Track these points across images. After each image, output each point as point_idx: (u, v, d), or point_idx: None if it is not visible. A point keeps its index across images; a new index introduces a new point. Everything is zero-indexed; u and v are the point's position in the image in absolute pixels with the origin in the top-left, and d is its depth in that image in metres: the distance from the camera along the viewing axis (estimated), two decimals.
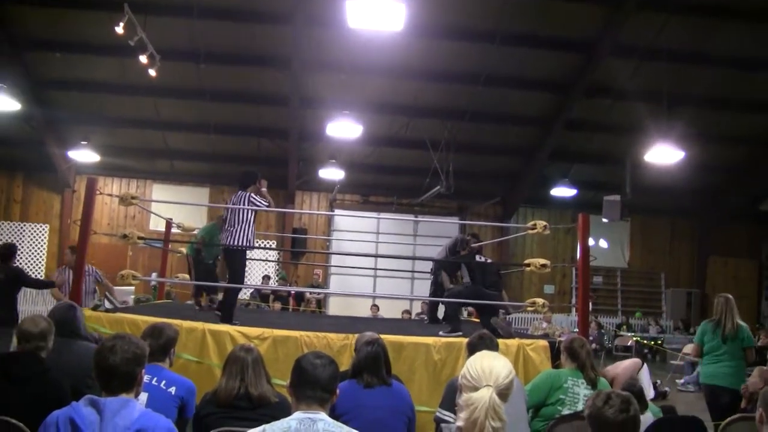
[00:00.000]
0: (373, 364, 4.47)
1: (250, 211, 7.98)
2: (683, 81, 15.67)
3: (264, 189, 8.27)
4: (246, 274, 18.83)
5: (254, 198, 8.04)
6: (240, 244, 7.89)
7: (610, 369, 8.54)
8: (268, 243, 20.27)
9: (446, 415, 4.39)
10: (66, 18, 14.76)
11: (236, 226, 7.89)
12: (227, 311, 7.88)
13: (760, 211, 20.89)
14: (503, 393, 2.77)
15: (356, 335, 5.61)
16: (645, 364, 10.65)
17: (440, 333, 8.03)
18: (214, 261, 10.73)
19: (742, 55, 15.12)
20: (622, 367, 9.33)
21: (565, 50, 15.65)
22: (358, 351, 4.66)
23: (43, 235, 20.09)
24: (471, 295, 8.52)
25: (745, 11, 13.97)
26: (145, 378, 3.34)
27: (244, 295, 18.45)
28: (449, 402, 4.20)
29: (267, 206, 8.29)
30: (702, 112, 16.61)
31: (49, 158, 19.04)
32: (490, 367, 2.81)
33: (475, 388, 2.74)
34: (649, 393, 10.19)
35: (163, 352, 4.42)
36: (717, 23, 14.41)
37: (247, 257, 8.53)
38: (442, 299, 9.13)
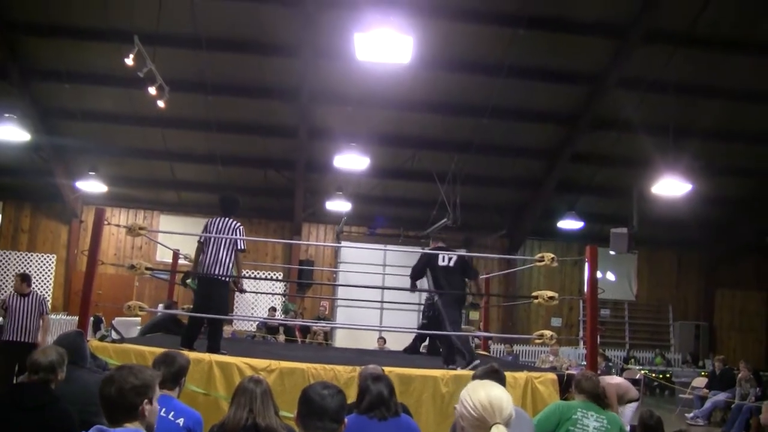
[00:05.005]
0: (389, 398, 4.41)
1: (234, 242, 7.74)
2: (689, 113, 15.69)
3: None
4: (252, 306, 18.67)
5: (242, 231, 7.87)
6: (227, 273, 7.68)
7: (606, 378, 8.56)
8: (274, 274, 20.27)
9: None
10: (75, 49, 14.91)
11: (226, 254, 7.66)
12: (189, 339, 7.61)
13: None
14: (509, 423, 2.68)
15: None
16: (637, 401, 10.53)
17: (450, 366, 7.88)
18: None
19: (748, 87, 15.18)
20: (616, 381, 9.40)
21: (571, 83, 15.70)
22: (365, 387, 4.55)
23: (50, 265, 20.10)
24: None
25: (750, 44, 14.04)
26: None
27: (251, 327, 18.44)
28: None
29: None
30: (708, 144, 16.61)
31: (57, 188, 19.12)
32: (492, 399, 2.59)
33: (482, 428, 2.55)
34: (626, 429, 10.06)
35: (174, 380, 4.39)
36: (723, 56, 14.48)
37: (253, 290, 8.39)
38: (448, 332, 8.99)
